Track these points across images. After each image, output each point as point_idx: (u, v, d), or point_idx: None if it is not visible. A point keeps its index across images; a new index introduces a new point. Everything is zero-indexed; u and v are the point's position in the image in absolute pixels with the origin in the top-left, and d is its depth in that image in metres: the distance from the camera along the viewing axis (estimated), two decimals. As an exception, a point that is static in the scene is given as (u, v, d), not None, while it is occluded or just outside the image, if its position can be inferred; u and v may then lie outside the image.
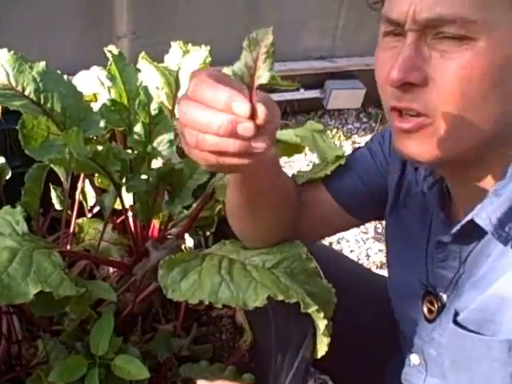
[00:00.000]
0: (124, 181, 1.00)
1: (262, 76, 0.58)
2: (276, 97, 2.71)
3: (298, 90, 3.05)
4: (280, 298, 0.77)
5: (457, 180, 0.88)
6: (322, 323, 0.80)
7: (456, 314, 0.87)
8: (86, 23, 2.56)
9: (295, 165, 2.77)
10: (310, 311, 0.79)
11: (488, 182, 0.81)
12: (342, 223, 1.10)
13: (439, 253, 0.91)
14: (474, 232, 0.82)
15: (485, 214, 0.79)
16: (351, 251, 2.42)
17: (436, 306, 0.93)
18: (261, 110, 0.59)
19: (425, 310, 0.95)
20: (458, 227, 0.84)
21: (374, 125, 3.27)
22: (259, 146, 0.61)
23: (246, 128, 0.59)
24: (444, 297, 0.92)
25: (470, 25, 0.69)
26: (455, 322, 0.87)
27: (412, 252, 1.00)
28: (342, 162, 1.04)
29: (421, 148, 0.78)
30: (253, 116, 0.59)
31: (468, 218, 0.81)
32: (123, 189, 1.05)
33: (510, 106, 0.75)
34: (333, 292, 0.87)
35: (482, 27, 0.69)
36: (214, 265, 0.87)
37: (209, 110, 0.60)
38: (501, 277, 0.80)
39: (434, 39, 0.72)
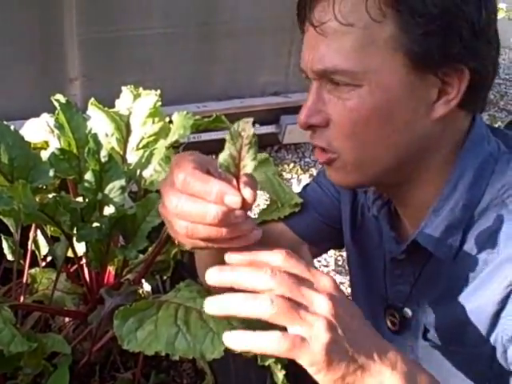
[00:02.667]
0: (75, 230, 0.99)
1: (248, 165, 0.62)
2: (232, 133, 2.73)
3: (253, 125, 3.08)
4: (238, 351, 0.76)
5: (399, 201, 0.95)
6: (280, 374, 0.79)
7: (426, 330, 0.93)
8: (38, 67, 2.55)
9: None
10: (267, 364, 0.78)
11: (428, 201, 0.88)
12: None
13: (395, 269, 0.97)
14: (422, 248, 0.88)
15: (426, 235, 0.86)
16: (313, 285, 2.42)
17: (398, 317, 0.98)
18: (248, 195, 0.62)
19: (388, 323, 1.00)
20: (404, 246, 0.91)
21: (330, 157, 3.30)
22: (249, 228, 0.65)
23: (238, 215, 0.63)
24: (407, 310, 0.96)
25: (351, 74, 0.79)
26: (426, 339, 0.93)
27: (371, 271, 1.05)
28: (298, 208, 1.07)
29: (337, 176, 0.89)
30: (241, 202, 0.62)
31: (411, 238, 0.89)
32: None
33: (409, 136, 0.83)
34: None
35: (363, 75, 0.79)
36: (170, 314, 0.86)
37: (201, 203, 0.63)
38: (456, 291, 0.85)
39: (332, 86, 0.82)
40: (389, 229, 0.97)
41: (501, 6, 2.35)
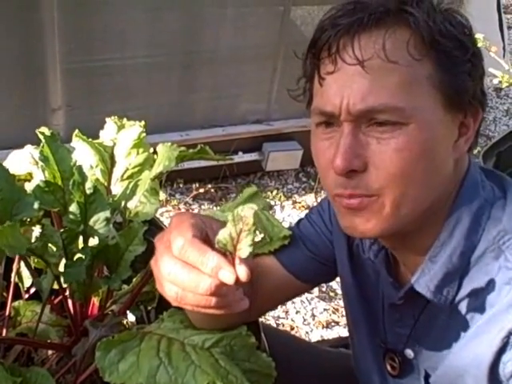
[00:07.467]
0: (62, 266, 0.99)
1: (243, 249, 0.63)
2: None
3: (236, 153, 3.10)
4: (219, 384, 0.76)
5: (398, 248, 0.93)
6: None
7: (427, 375, 0.92)
8: (20, 97, 2.55)
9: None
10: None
11: (426, 246, 0.86)
12: (295, 290, 1.13)
13: (394, 313, 0.96)
14: (420, 294, 0.87)
15: (423, 282, 0.85)
16: (297, 312, 2.42)
17: (397, 360, 0.97)
18: (243, 274, 0.63)
19: (388, 367, 1.00)
20: (401, 293, 0.90)
21: (313, 184, 3.33)
22: (237, 299, 0.67)
23: (230, 289, 0.65)
24: (409, 352, 0.95)
25: (400, 112, 0.76)
26: None
27: (371, 311, 1.04)
28: (287, 241, 1.07)
29: (368, 224, 0.82)
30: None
31: (409, 285, 0.88)
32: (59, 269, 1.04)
33: (441, 177, 0.82)
34: (273, 366, 0.87)
35: (411, 112, 0.76)
36: (152, 346, 0.86)
37: (195, 273, 0.64)
38: (453, 338, 0.85)
39: (369, 127, 0.78)
40: (386, 274, 0.96)
41: (478, 35, 2.40)
